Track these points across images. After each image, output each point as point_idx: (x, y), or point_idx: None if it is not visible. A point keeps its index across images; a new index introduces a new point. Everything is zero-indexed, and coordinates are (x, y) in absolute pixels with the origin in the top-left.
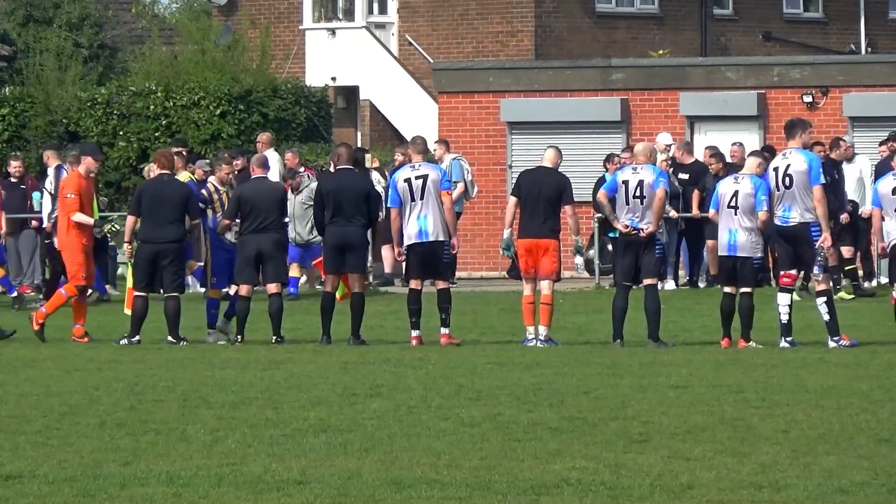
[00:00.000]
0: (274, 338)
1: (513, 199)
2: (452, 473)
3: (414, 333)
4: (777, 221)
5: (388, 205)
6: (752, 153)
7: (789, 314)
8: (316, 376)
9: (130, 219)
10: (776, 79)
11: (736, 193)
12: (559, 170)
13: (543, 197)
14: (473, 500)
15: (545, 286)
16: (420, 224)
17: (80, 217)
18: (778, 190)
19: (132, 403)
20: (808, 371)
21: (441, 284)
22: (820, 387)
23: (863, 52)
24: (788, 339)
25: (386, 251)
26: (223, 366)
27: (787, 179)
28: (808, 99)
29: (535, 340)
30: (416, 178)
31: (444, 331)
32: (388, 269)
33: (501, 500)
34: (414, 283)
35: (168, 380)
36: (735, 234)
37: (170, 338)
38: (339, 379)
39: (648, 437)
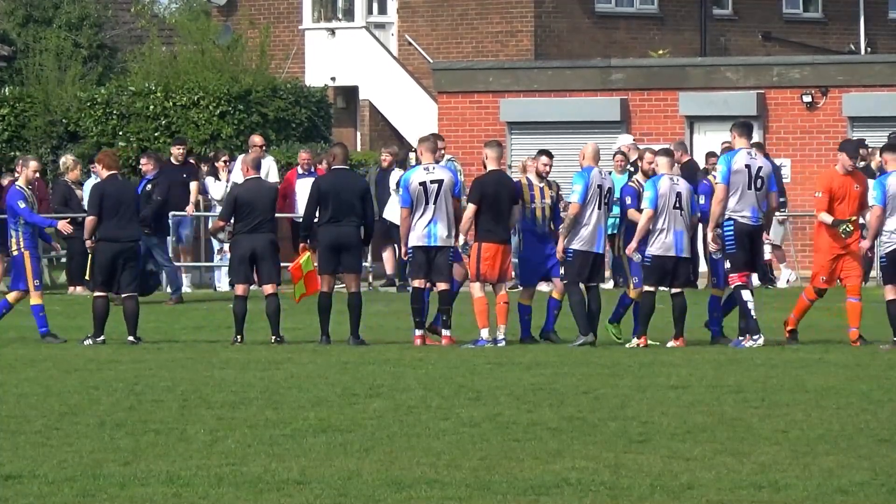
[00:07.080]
0: (273, 338)
1: (472, 207)
2: (452, 473)
3: (417, 332)
4: (749, 221)
5: (400, 205)
6: (662, 152)
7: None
8: (316, 376)
9: (91, 219)
10: (776, 79)
11: (679, 195)
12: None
13: (507, 201)
14: (473, 500)
15: (504, 287)
16: (430, 229)
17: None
18: (749, 189)
19: (132, 403)
20: (808, 371)
21: (442, 286)
22: (820, 387)
23: (862, 52)
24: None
25: (387, 253)
26: (223, 366)
27: (759, 182)
28: (807, 99)
29: (497, 341)
30: (432, 182)
31: (445, 332)
32: (389, 270)
33: (501, 500)
34: (418, 283)
35: (168, 380)
36: (682, 236)
37: (130, 338)
38: (339, 379)
39: (648, 437)
